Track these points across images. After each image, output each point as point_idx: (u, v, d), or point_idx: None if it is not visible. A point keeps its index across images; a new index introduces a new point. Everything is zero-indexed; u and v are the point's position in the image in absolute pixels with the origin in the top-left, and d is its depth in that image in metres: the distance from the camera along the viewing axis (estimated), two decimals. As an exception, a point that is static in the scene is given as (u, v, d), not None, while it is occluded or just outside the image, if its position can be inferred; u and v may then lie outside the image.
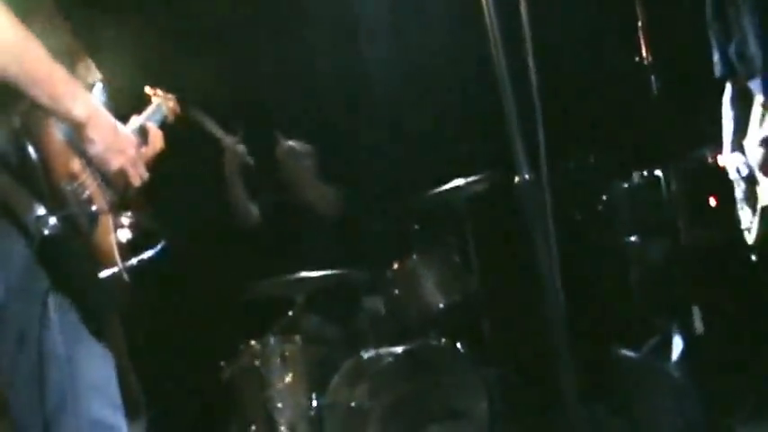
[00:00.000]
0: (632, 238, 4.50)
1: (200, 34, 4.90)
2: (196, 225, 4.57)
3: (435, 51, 5.12)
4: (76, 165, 1.95)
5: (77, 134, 1.89)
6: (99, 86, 2.16)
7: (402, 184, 4.93)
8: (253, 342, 3.90)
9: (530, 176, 1.99)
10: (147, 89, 2.72)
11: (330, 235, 4.54)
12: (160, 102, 2.66)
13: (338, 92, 5.45)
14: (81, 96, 1.86)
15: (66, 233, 1.83)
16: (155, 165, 2.31)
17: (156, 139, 2.37)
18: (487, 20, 2.05)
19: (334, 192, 4.65)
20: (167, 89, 2.78)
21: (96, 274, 1.93)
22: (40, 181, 1.81)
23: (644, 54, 3.63)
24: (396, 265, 4.13)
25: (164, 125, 2.55)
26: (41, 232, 1.78)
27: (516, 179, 2.01)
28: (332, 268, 4.04)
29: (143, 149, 2.20)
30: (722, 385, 3.78)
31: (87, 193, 1.96)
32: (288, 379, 3.81)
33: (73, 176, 1.92)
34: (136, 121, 2.39)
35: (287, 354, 3.85)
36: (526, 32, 2.04)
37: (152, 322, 4.14)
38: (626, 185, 4.52)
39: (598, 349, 3.97)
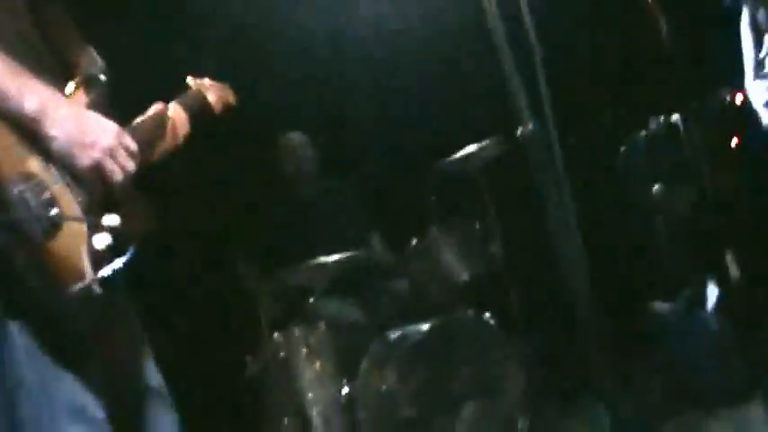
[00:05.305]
0: (655, 188, 4.37)
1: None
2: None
3: (427, 14, 4.93)
4: (34, 164, 1.68)
5: (36, 132, 1.65)
6: (100, 78, 1.88)
7: (413, 156, 4.78)
8: (276, 334, 3.79)
9: (534, 126, 1.81)
10: (190, 79, 2.34)
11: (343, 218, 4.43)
12: (198, 90, 2.31)
13: (333, 62, 5.25)
14: (33, 89, 1.63)
15: (7, 243, 1.58)
16: (178, 153, 2.09)
17: (178, 126, 2.11)
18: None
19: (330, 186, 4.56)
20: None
21: (53, 290, 1.64)
22: None
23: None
24: (415, 241, 4.00)
25: (205, 118, 2.24)
26: None
27: (519, 131, 1.83)
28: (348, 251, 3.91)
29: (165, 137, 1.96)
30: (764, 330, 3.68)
31: (47, 195, 1.67)
32: (316, 368, 3.71)
33: (27, 177, 1.65)
34: (155, 107, 2.11)
35: (312, 342, 3.74)
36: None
37: (168, 322, 4.02)
38: (643, 134, 4.38)
39: (633, 306, 3.86)
